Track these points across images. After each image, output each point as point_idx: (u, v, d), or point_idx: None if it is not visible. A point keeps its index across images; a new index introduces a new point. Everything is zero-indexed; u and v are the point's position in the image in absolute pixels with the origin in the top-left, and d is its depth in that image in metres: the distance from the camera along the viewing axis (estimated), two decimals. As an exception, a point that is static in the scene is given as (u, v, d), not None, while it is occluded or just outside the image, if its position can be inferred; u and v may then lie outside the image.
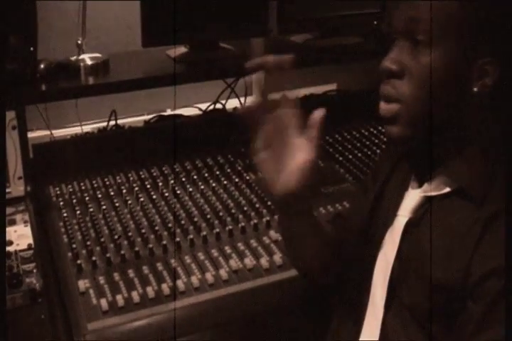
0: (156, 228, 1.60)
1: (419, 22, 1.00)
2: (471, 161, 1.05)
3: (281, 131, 1.08)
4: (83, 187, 1.79)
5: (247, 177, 1.84)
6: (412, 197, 1.12)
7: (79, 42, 1.85)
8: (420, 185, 1.12)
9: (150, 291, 1.40)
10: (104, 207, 1.69)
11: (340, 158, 1.99)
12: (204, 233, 1.59)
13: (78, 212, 1.67)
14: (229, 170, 1.87)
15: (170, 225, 1.61)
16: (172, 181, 1.80)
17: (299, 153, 1.07)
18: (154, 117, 2.15)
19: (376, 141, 2.09)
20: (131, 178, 1.83)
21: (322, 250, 1.30)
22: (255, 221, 1.64)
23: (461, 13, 0.99)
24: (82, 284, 1.43)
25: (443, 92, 1.01)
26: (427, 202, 1.10)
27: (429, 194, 1.09)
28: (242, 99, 2.24)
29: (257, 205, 1.72)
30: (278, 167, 1.09)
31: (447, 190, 1.06)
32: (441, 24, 0.99)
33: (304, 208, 1.21)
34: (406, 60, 1.03)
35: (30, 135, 1.84)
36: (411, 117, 1.04)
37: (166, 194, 1.75)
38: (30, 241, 1.54)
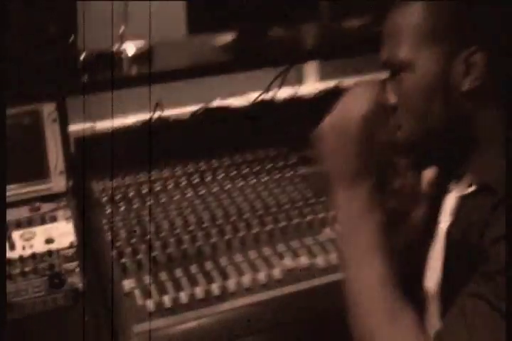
0: (204, 225, 1.55)
1: (396, 59, 1.07)
2: (491, 156, 1.06)
3: None
4: (127, 182, 1.75)
5: (302, 171, 1.78)
6: (449, 201, 1.16)
7: (121, 30, 1.82)
8: (453, 187, 1.15)
9: (199, 292, 1.36)
10: (149, 203, 1.65)
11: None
12: (256, 230, 1.53)
13: (122, 208, 1.64)
14: (282, 164, 1.81)
15: (219, 222, 1.56)
16: (221, 175, 1.75)
17: None
18: (200, 109, 2.08)
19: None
20: (177, 173, 1.78)
21: None
22: (310, 217, 1.58)
23: (427, 21, 1.03)
24: (127, 284, 1.40)
25: (435, 102, 1.05)
26: (462, 202, 1.13)
27: (460, 194, 1.13)
28: (295, 89, 2.18)
29: (312, 200, 1.65)
30: None
31: (474, 187, 1.09)
32: (412, 44, 1.05)
33: None
34: (395, 89, 1.09)
35: (71, 128, 1.80)
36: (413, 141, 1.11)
37: (214, 189, 1.70)
38: (72, 238, 1.52)
